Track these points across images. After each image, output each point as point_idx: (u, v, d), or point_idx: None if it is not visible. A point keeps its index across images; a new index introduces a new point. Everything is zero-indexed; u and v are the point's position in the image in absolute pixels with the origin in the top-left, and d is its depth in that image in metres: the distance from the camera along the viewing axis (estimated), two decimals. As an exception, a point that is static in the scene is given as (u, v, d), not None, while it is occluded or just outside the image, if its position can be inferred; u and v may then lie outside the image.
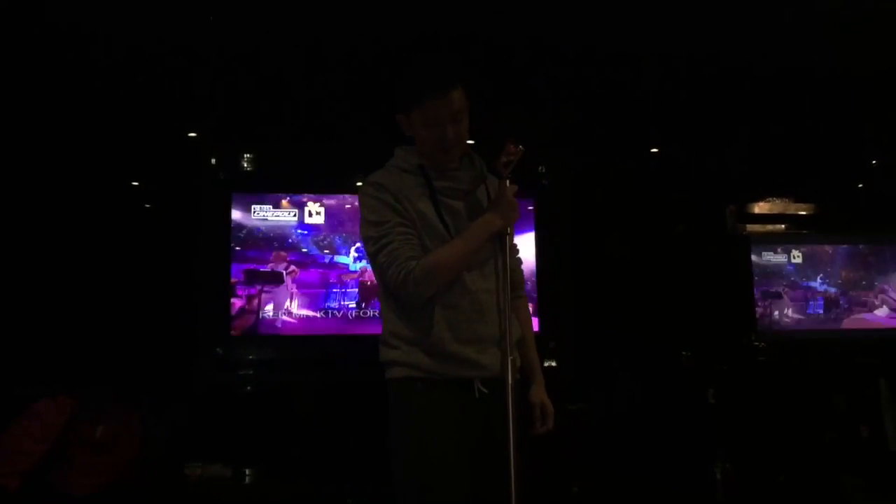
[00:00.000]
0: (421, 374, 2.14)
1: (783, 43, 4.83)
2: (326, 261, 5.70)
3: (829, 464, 5.25)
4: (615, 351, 5.96)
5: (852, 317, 6.50)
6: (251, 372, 5.51)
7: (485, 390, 2.17)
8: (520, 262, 2.54)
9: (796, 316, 6.40)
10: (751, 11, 4.45)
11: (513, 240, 2.33)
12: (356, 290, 5.68)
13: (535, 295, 5.90)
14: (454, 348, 2.14)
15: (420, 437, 2.11)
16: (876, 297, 6.56)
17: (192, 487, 4.74)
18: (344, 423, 5.15)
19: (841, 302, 6.51)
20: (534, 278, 5.92)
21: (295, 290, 5.61)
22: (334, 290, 5.64)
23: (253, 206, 5.66)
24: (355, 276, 5.70)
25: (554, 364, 5.82)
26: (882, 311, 6.56)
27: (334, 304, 5.65)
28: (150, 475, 4.33)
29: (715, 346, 6.09)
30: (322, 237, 5.71)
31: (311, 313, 5.60)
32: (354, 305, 5.66)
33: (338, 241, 5.71)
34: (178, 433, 4.87)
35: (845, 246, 6.65)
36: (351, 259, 5.70)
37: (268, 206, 5.68)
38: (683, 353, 6.04)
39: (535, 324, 5.79)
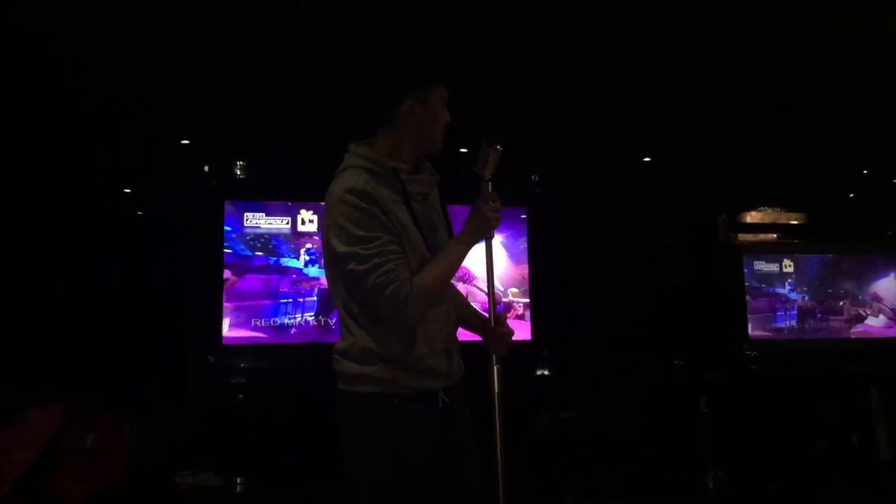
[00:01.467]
0: (397, 390, 2.13)
1: (776, 54, 4.85)
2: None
3: (820, 472, 5.26)
4: (607, 359, 5.96)
5: (847, 327, 6.51)
6: (243, 380, 5.50)
7: (446, 399, 2.20)
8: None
9: (789, 325, 6.41)
10: (743, 23, 4.47)
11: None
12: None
13: (527, 303, 5.90)
14: (430, 362, 2.16)
15: (398, 450, 2.10)
16: (870, 307, 6.58)
17: (183, 496, 4.72)
18: (336, 431, 5.14)
19: (833, 310, 6.53)
20: (526, 286, 5.93)
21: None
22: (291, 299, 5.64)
23: (245, 214, 5.65)
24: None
25: (547, 372, 5.82)
26: (877, 321, 6.58)
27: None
28: (141, 483, 4.32)
29: (707, 354, 6.10)
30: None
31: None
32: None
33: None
34: (169, 441, 4.86)
35: (836, 255, 6.67)
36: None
37: (260, 214, 5.68)
38: (676, 361, 6.05)
39: (528, 332, 5.81)
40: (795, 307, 6.49)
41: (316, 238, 5.72)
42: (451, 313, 2.27)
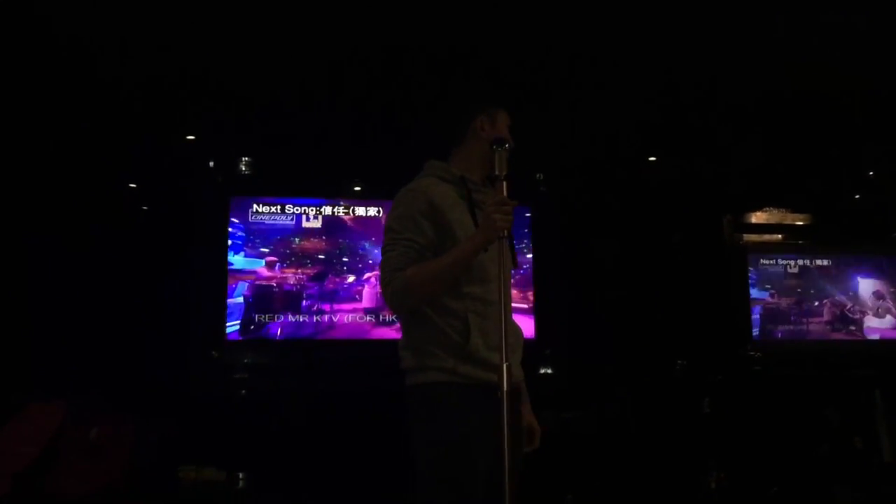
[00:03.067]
0: (458, 379, 2.23)
1: (780, 55, 4.84)
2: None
3: (823, 475, 5.25)
4: (610, 359, 5.96)
5: (850, 329, 6.51)
6: (246, 376, 5.50)
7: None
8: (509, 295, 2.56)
9: (793, 326, 6.41)
10: (747, 25, 4.46)
11: (512, 248, 2.35)
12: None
13: (531, 302, 5.90)
14: (485, 355, 2.24)
15: (460, 436, 2.19)
16: (876, 309, 6.57)
17: (186, 491, 4.73)
18: (338, 428, 5.15)
19: (837, 312, 6.52)
20: (531, 285, 5.92)
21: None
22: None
23: (250, 209, 5.66)
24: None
25: (550, 371, 5.82)
26: (882, 322, 6.57)
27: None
28: (143, 479, 4.33)
29: (710, 355, 6.09)
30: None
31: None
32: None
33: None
34: (172, 437, 4.86)
35: (841, 256, 6.66)
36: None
37: (265, 209, 5.68)
38: (679, 362, 6.04)
39: (532, 331, 5.81)
40: (799, 308, 6.48)
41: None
42: (513, 325, 2.34)
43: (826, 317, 6.52)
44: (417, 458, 2.26)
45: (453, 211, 2.30)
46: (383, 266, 2.26)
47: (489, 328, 2.25)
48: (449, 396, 2.23)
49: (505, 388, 2.10)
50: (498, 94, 2.37)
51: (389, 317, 5.52)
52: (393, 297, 2.24)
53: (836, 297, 6.57)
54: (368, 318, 5.70)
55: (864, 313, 6.58)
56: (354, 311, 5.69)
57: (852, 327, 6.54)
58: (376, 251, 5.56)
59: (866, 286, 6.64)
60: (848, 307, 6.57)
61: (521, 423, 2.43)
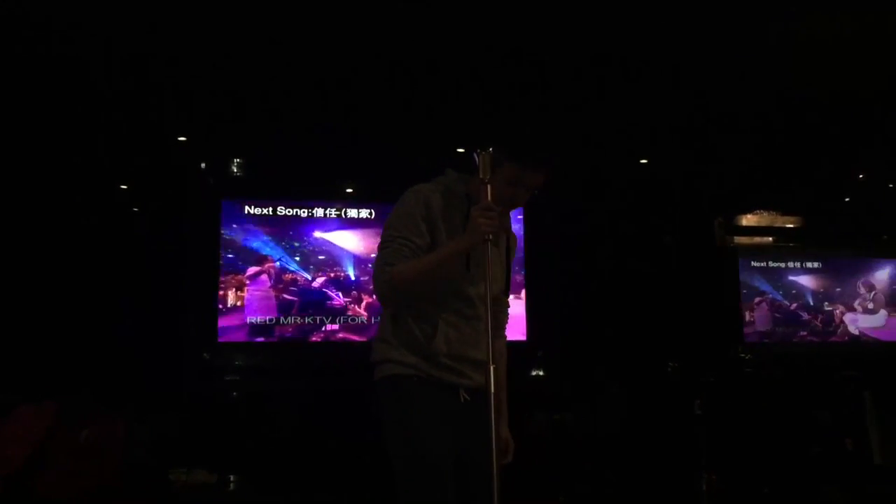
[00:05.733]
0: (414, 372, 2.32)
1: (772, 59, 4.86)
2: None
3: (813, 476, 5.26)
4: (602, 361, 5.96)
5: (841, 330, 6.53)
6: (237, 377, 5.49)
7: (467, 397, 2.36)
8: (508, 304, 2.64)
9: (784, 328, 6.43)
10: (740, 30, 4.48)
11: (511, 258, 2.47)
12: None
13: (524, 304, 5.90)
14: (446, 361, 2.33)
15: (414, 427, 2.28)
16: (869, 302, 6.59)
17: (177, 493, 4.72)
18: (329, 430, 5.14)
19: (829, 314, 6.55)
20: (523, 287, 5.93)
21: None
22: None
23: (242, 211, 5.65)
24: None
25: (541, 373, 5.83)
26: (874, 320, 6.59)
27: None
28: (134, 480, 4.30)
29: (702, 357, 6.10)
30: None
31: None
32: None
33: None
34: (163, 438, 4.84)
35: (831, 259, 6.69)
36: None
37: (256, 211, 5.67)
38: (670, 363, 6.05)
39: (524, 332, 5.81)
40: (790, 310, 6.50)
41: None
42: (484, 334, 2.31)
43: (816, 318, 6.55)
44: (388, 453, 2.33)
45: (447, 222, 2.36)
46: (377, 261, 2.34)
47: (456, 339, 2.35)
48: (409, 387, 2.32)
49: (492, 390, 2.13)
50: (528, 155, 2.35)
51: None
52: (380, 290, 2.32)
53: (827, 299, 6.60)
54: (361, 319, 5.69)
55: (854, 314, 6.60)
56: (347, 313, 5.68)
57: (843, 329, 6.57)
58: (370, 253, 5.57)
59: (857, 288, 6.67)
60: (838, 309, 6.60)
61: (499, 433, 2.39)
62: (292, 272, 5.67)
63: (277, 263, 5.66)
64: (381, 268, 2.30)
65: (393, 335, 2.39)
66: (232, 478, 4.99)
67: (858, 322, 6.60)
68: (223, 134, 5.69)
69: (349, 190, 5.90)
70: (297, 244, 5.70)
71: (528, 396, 5.60)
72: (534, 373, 5.80)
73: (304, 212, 5.73)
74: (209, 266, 5.55)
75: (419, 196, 2.38)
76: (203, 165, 5.76)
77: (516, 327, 5.73)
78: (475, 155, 2.29)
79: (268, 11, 4.26)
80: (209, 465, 4.92)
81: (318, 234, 5.70)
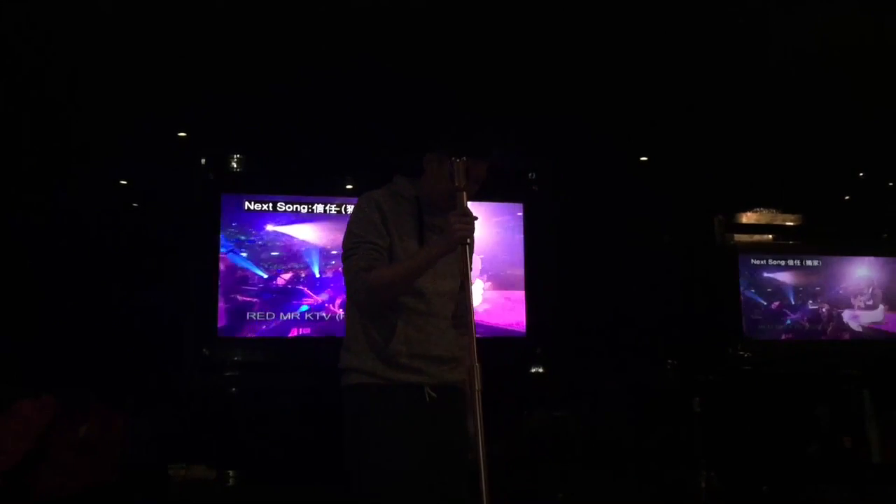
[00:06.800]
0: (373, 380, 2.37)
1: (772, 55, 4.86)
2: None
3: (812, 474, 5.27)
4: (601, 358, 5.96)
5: (842, 328, 6.53)
6: (237, 373, 5.49)
7: (433, 395, 2.40)
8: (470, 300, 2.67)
9: (784, 325, 6.43)
10: (740, 24, 4.47)
11: (471, 261, 2.44)
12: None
13: (523, 301, 5.90)
14: (405, 361, 2.37)
15: (376, 439, 2.33)
16: (870, 300, 6.60)
17: (176, 489, 4.72)
18: (328, 425, 5.13)
19: (828, 312, 6.55)
20: (522, 284, 5.92)
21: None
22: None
23: (242, 207, 5.64)
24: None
25: (541, 370, 5.82)
26: (873, 316, 6.59)
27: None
28: (134, 476, 4.31)
29: (701, 354, 6.11)
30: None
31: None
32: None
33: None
34: (162, 434, 4.85)
35: (832, 256, 6.69)
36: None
37: (256, 206, 5.66)
38: (669, 361, 6.06)
39: (523, 329, 5.81)
40: (790, 308, 6.50)
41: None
42: (447, 330, 2.47)
43: (816, 317, 6.55)
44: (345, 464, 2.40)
45: (398, 225, 2.44)
46: (349, 267, 2.38)
47: (417, 338, 2.39)
48: (368, 399, 2.38)
49: (478, 388, 2.19)
50: (468, 146, 2.39)
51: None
52: (357, 296, 2.37)
53: (826, 297, 6.60)
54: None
55: (853, 311, 6.60)
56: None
57: (842, 327, 6.57)
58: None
59: (856, 286, 6.67)
60: (838, 307, 6.60)
61: (465, 429, 2.48)
62: (294, 267, 5.66)
63: (279, 258, 5.65)
64: (355, 273, 2.34)
65: (354, 340, 2.45)
66: (231, 473, 5.00)
67: (859, 319, 6.60)
68: (223, 129, 5.68)
69: (349, 186, 5.89)
70: (298, 239, 5.69)
71: (528, 393, 5.61)
72: (533, 370, 5.79)
73: (304, 207, 5.72)
74: (209, 261, 5.54)
75: (371, 201, 2.45)
76: (203, 161, 5.74)
77: (516, 324, 5.73)
78: (452, 160, 2.33)
79: (268, 7, 4.25)
80: (208, 461, 4.92)
81: (319, 229, 5.70)
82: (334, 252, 5.69)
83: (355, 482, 2.34)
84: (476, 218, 2.30)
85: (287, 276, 5.65)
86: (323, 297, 5.67)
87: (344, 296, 5.67)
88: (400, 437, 2.31)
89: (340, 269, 5.63)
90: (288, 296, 5.64)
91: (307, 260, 5.69)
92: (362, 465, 2.34)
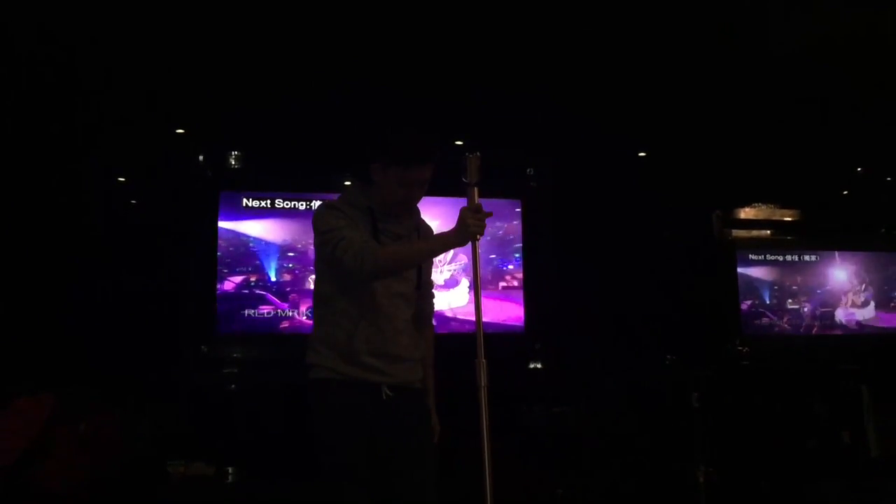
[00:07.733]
0: (333, 376, 2.46)
1: (771, 52, 4.86)
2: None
3: (811, 469, 5.28)
4: (600, 354, 5.96)
5: (840, 323, 6.54)
6: (236, 370, 5.49)
7: (390, 393, 2.50)
8: (433, 296, 2.78)
9: (782, 321, 6.43)
10: (739, 21, 4.47)
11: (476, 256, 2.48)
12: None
13: (521, 296, 5.90)
14: (366, 359, 2.46)
15: (335, 428, 2.44)
16: (863, 295, 6.60)
17: (175, 485, 4.72)
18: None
19: (826, 307, 6.55)
20: (520, 279, 5.93)
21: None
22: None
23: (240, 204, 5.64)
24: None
25: (539, 366, 5.82)
26: (866, 312, 6.60)
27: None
28: (133, 473, 4.31)
29: (699, 350, 6.10)
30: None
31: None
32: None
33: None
34: (162, 431, 4.85)
35: (830, 252, 6.69)
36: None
37: (255, 203, 5.66)
38: (668, 357, 6.05)
39: (522, 325, 5.81)
40: (787, 304, 6.50)
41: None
42: (406, 327, 2.55)
43: (814, 312, 6.55)
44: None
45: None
46: (349, 243, 2.37)
47: (378, 337, 2.45)
48: (328, 394, 2.46)
49: (484, 384, 2.27)
50: (409, 154, 2.45)
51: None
52: (364, 264, 2.34)
53: (825, 293, 6.60)
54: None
55: (852, 308, 6.61)
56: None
57: (839, 322, 6.58)
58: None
59: (853, 281, 6.67)
60: (836, 303, 6.60)
61: (428, 420, 2.63)
62: (292, 263, 5.66)
63: (278, 255, 5.64)
64: (362, 243, 2.37)
65: (318, 337, 2.53)
66: (230, 470, 5.00)
67: (856, 314, 6.61)
68: (221, 125, 5.68)
69: (347, 182, 5.88)
70: (297, 236, 5.69)
71: (526, 389, 5.61)
72: (531, 365, 5.79)
73: (302, 204, 5.72)
74: (207, 258, 5.54)
75: (333, 209, 2.51)
76: (201, 158, 5.74)
77: (514, 319, 5.73)
78: (466, 155, 2.34)
79: (267, 7, 4.25)
80: (207, 458, 4.92)
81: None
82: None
83: (323, 469, 2.45)
84: (490, 214, 2.32)
85: (285, 272, 5.65)
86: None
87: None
88: (353, 431, 2.41)
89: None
90: (286, 292, 5.64)
91: (307, 256, 5.69)
92: (322, 457, 2.44)
